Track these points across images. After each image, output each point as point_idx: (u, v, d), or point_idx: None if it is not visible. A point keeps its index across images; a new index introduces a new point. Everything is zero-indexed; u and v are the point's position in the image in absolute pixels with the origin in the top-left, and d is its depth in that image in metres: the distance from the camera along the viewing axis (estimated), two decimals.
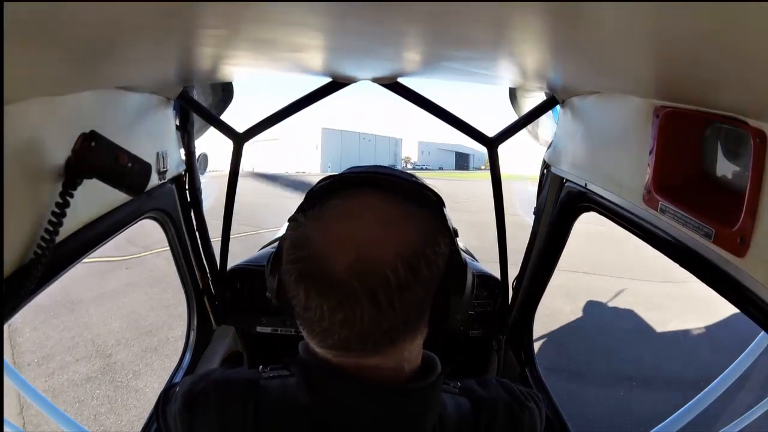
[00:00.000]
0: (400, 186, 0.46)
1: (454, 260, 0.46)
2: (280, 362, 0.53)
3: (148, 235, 5.75)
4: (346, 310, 0.40)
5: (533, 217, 1.34)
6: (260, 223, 7.91)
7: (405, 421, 0.46)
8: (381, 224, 0.42)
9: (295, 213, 0.47)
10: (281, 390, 0.49)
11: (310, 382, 0.47)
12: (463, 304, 0.48)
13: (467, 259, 0.51)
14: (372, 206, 0.44)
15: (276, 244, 0.53)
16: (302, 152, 52.17)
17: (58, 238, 0.62)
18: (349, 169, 0.51)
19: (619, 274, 5.83)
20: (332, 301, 0.40)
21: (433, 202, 0.47)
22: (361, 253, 0.40)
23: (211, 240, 1.42)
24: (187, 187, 1.29)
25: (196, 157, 1.33)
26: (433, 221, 0.45)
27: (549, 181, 1.24)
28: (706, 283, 0.65)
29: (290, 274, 0.42)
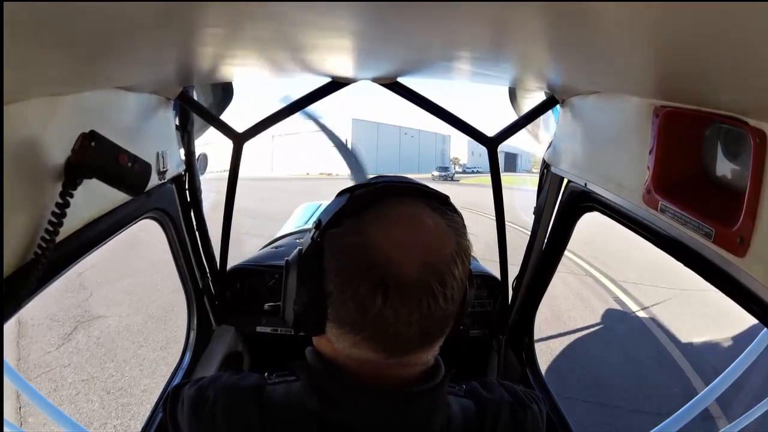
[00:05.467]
0: (432, 195, 0.50)
1: (470, 272, 0.51)
2: (286, 368, 0.53)
3: None
4: (423, 309, 0.43)
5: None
6: None
7: (414, 421, 0.47)
8: (436, 228, 0.46)
9: (336, 217, 0.47)
10: (287, 395, 0.50)
11: (318, 388, 0.48)
12: (468, 312, 0.52)
13: (473, 267, 0.54)
14: (423, 213, 0.47)
15: (274, 245, 0.53)
16: (328, 149, 39.57)
17: (59, 238, 0.62)
18: (381, 177, 0.53)
19: None
20: (411, 302, 0.43)
21: (455, 208, 0.51)
22: (428, 254, 0.44)
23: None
24: (187, 187, 1.29)
25: (196, 157, 1.33)
26: (461, 225, 0.49)
27: (549, 180, 1.24)
28: (707, 282, 0.65)
29: (361, 282, 0.43)
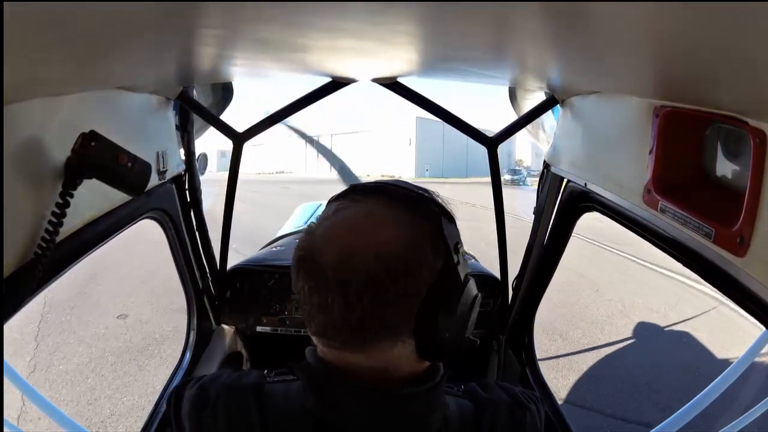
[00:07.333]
0: (405, 196, 0.49)
1: (447, 275, 0.47)
2: (285, 366, 0.54)
3: None
4: (321, 295, 0.44)
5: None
6: None
7: (410, 422, 0.48)
8: (371, 226, 0.46)
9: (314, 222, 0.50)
10: (285, 394, 0.50)
11: (314, 386, 0.48)
12: (455, 323, 0.48)
13: (469, 264, 0.52)
14: (370, 211, 0.47)
15: (274, 245, 0.55)
16: (391, 149, 37.87)
17: (59, 238, 0.63)
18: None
19: None
20: (311, 284, 0.45)
21: (434, 215, 0.48)
22: (345, 249, 0.45)
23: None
24: (186, 187, 1.30)
25: (196, 157, 1.33)
26: (427, 232, 0.47)
27: (549, 180, 1.24)
28: (707, 282, 0.65)
29: (297, 275, 0.47)
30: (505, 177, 26.97)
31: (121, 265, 5.48)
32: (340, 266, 0.44)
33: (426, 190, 0.53)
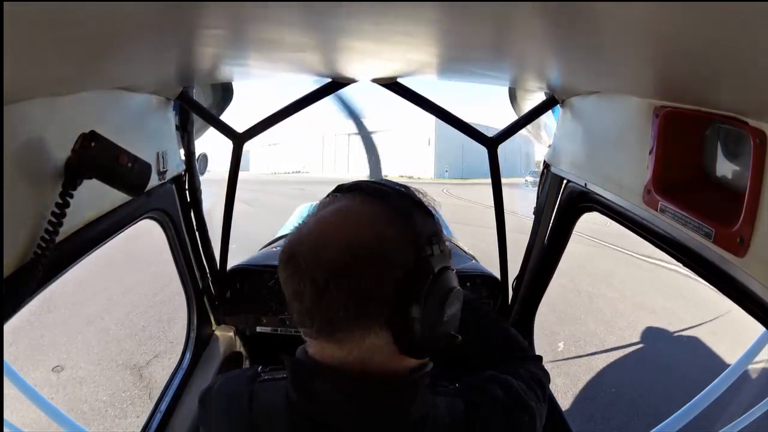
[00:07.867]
0: (380, 192, 0.51)
1: (419, 267, 0.48)
2: (278, 360, 0.56)
3: None
4: (296, 282, 0.47)
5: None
6: None
7: (384, 416, 0.49)
8: (342, 220, 0.49)
9: None
10: (273, 389, 0.53)
11: (296, 378, 0.51)
12: (426, 315, 0.48)
13: (470, 265, 0.53)
14: (346, 206, 0.50)
15: (274, 245, 0.57)
16: (410, 149, 37.11)
17: (59, 238, 0.63)
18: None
19: None
20: (288, 273, 0.48)
21: (406, 209, 0.50)
22: (316, 241, 0.48)
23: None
24: (186, 187, 1.30)
25: (196, 157, 1.33)
26: (397, 225, 0.48)
27: (549, 181, 1.24)
28: (707, 282, 0.65)
29: (279, 255, 0.51)
30: (527, 178, 25.48)
31: (85, 285, 4.59)
32: (311, 256, 0.47)
33: (405, 187, 0.55)
